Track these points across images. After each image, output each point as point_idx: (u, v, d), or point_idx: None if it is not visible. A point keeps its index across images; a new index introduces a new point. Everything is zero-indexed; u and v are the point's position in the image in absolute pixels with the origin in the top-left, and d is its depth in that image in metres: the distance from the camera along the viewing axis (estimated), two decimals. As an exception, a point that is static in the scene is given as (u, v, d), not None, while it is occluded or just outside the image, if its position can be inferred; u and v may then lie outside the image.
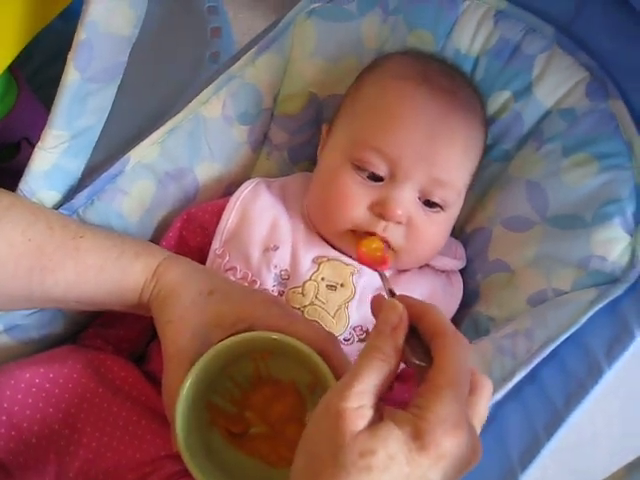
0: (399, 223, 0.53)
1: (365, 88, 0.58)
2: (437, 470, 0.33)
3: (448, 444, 0.33)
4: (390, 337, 0.36)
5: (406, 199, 0.53)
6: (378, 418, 0.34)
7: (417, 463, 0.32)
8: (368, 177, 0.54)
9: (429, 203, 0.54)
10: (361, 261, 0.53)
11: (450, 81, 0.56)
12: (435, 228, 0.55)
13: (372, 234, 0.53)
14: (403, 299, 0.39)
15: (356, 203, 0.54)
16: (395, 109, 0.54)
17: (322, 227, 0.57)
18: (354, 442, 0.33)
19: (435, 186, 0.54)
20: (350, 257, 0.56)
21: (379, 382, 0.35)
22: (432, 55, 0.60)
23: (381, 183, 0.54)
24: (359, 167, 0.54)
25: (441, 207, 0.55)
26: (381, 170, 0.54)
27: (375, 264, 0.51)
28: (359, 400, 0.34)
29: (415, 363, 0.36)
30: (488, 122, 0.61)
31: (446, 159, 0.54)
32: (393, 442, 0.33)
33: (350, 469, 0.32)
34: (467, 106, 0.56)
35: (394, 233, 0.54)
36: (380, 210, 0.53)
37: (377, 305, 0.40)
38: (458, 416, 0.34)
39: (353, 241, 0.54)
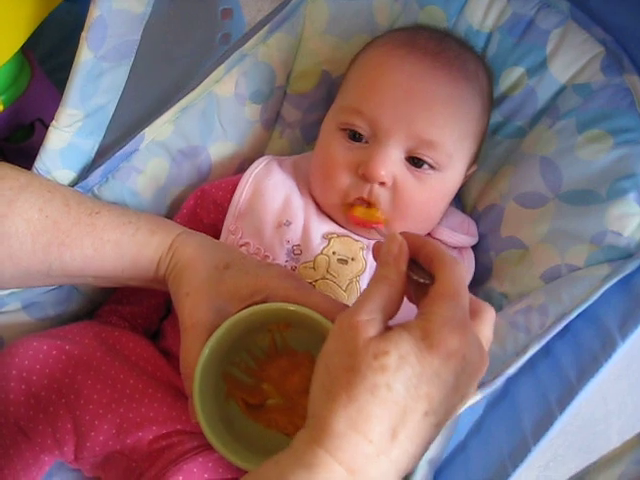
0: (383, 184, 0.53)
1: (355, 62, 0.59)
2: (448, 369, 0.34)
3: (455, 342, 0.34)
4: (393, 265, 0.38)
5: (389, 159, 0.52)
6: (387, 330, 0.36)
7: (428, 362, 0.34)
8: (351, 138, 0.54)
9: (416, 162, 0.54)
10: (355, 223, 0.54)
11: (437, 44, 0.55)
12: (426, 191, 0.54)
13: (360, 200, 0.54)
14: (402, 234, 0.41)
15: (341, 165, 0.54)
16: (374, 71, 0.55)
17: (321, 200, 0.57)
18: (367, 347, 0.34)
19: (421, 145, 0.53)
20: (357, 234, 0.56)
21: (387, 302, 0.37)
22: (430, 28, 0.59)
23: (366, 145, 0.54)
24: (343, 130, 0.55)
25: (431, 167, 0.54)
26: (363, 130, 0.54)
27: (369, 223, 0.53)
28: (370, 314, 0.36)
29: (419, 281, 0.39)
30: (501, 99, 0.60)
31: (426, 117, 0.53)
32: (404, 343, 0.34)
33: (365, 371, 0.33)
34: (455, 68, 0.55)
35: (380, 196, 0.53)
36: (363, 171, 0.53)
37: (377, 249, 0.41)
38: (462, 319, 0.36)
39: (347, 219, 0.55)
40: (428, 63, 0.54)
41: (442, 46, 0.56)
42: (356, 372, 0.33)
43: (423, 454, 0.35)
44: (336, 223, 0.57)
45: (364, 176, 0.53)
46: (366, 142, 0.54)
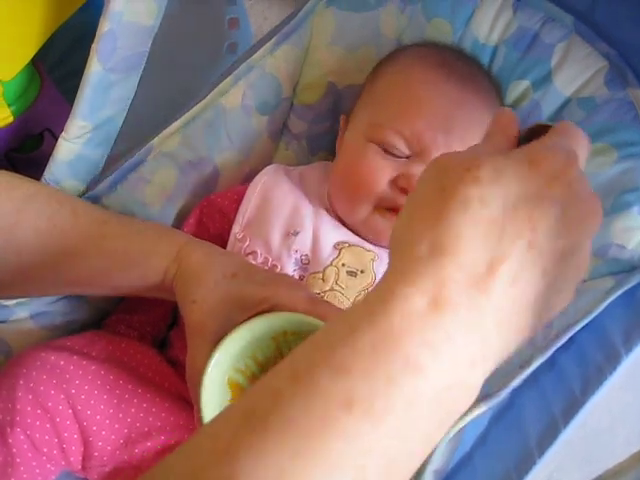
0: None
1: (383, 76, 0.59)
2: (552, 192, 0.27)
3: (561, 163, 0.28)
4: (500, 131, 0.32)
5: None
6: None
7: (528, 178, 0.27)
8: (389, 153, 0.55)
9: None
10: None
11: (468, 67, 0.57)
12: None
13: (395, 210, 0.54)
14: None
15: (379, 175, 0.54)
16: (414, 91, 0.55)
17: (346, 209, 0.57)
18: (460, 163, 0.28)
19: None
20: (371, 243, 0.56)
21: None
22: (449, 45, 0.60)
23: (403, 159, 0.55)
24: (380, 146, 0.55)
25: None
26: (401, 150, 0.54)
27: None
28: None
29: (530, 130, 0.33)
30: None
31: (464, 141, 0.54)
32: (500, 158, 0.28)
33: (456, 185, 0.27)
34: (484, 91, 0.57)
35: None
36: (404, 184, 0.53)
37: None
38: (571, 150, 0.29)
39: (379, 219, 0.55)
40: (463, 87, 0.55)
41: (472, 70, 0.57)
42: (445, 188, 0.27)
43: (533, 323, 0.27)
44: (351, 231, 0.57)
45: (404, 189, 0.54)
46: (401, 157, 0.55)
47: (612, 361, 0.49)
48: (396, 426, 0.24)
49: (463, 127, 0.54)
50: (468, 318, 0.25)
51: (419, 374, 0.25)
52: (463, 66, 0.56)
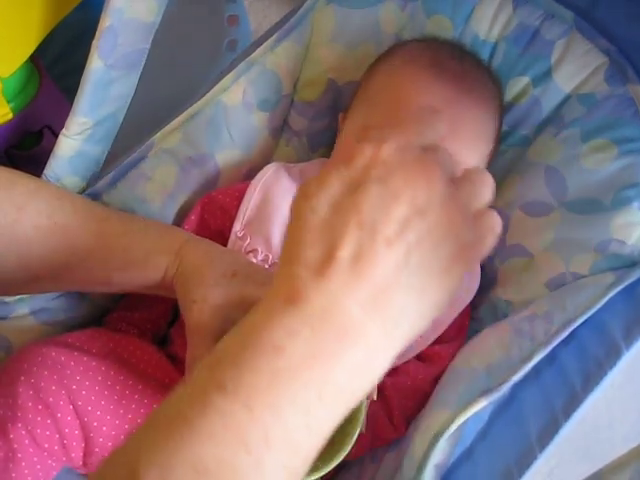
0: None
1: (377, 75, 0.59)
2: (368, 175, 0.30)
3: (369, 152, 0.31)
4: None
5: None
6: None
7: (345, 175, 0.31)
8: None
9: None
10: None
11: (460, 65, 0.57)
12: None
13: None
14: None
15: None
16: (404, 92, 0.55)
17: None
18: (301, 186, 0.32)
19: None
20: None
21: None
22: (446, 41, 0.60)
23: None
24: None
25: None
26: None
27: None
28: None
29: None
30: (507, 108, 0.61)
31: (455, 141, 0.53)
32: (324, 170, 0.32)
33: (294, 206, 0.32)
34: (480, 90, 0.56)
35: None
36: None
37: None
38: (383, 136, 0.31)
39: None
40: (455, 86, 0.55)
41: (464, 67, 0.57)
42: (291, 211, 0.32)
43: (422, 298, 0.30)
44: None
45: None
46: None
47: (612, 356, 0.48)
48: (266, 402, 0.28)
49: (455, 125, 0.54)
50: (319, 302, 0.29)
51: (280, 354, 0.29)
52: (456, 65, 0.56)
